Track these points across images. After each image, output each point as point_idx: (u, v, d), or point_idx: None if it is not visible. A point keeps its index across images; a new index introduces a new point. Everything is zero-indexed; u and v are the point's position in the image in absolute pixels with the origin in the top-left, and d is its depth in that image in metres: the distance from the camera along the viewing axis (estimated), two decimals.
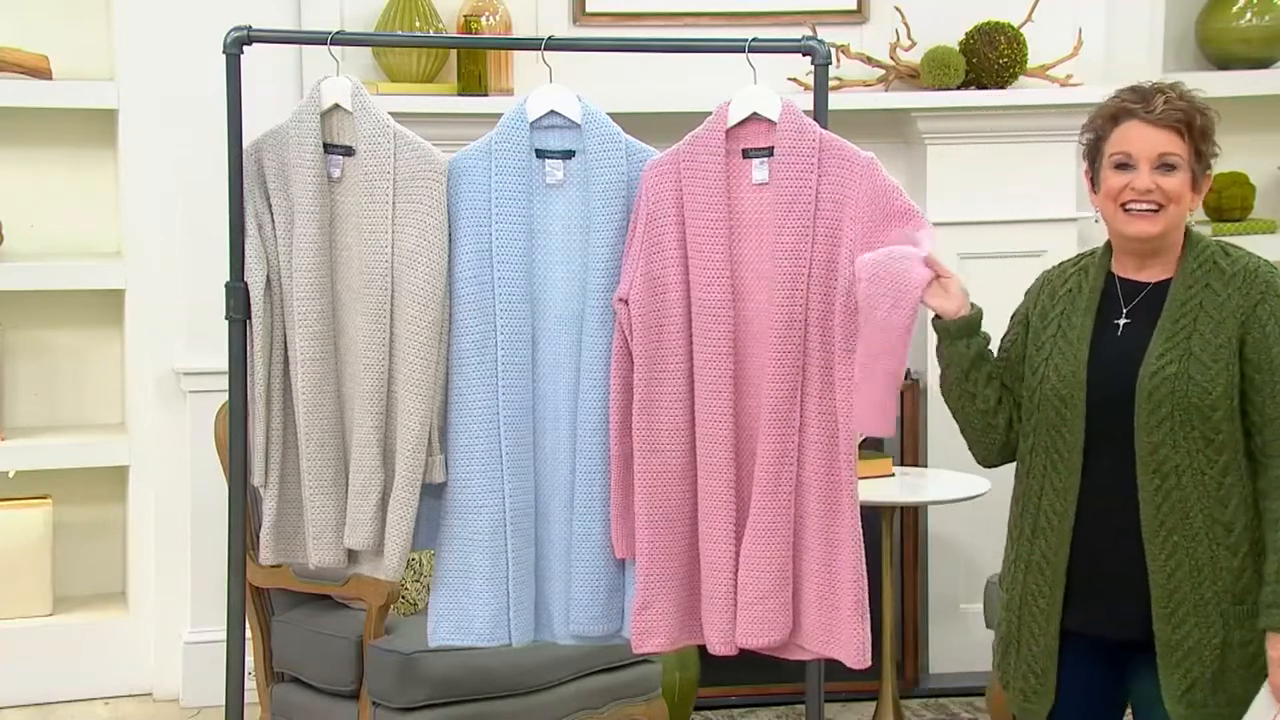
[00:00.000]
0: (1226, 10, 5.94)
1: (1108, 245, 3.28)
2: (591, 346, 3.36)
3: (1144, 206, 3.14)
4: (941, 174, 5.65)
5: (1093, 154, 3.23)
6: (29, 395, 5.67)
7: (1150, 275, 3.22)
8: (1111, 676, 3.25)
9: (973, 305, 3.23)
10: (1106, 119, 3.20)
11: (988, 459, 3.35)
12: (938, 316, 3.22)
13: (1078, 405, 3.17)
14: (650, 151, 3.38)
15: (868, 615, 3.30)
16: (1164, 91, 3.16)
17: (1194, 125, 3.15)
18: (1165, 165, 3.14)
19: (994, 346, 3.33)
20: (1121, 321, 3.21)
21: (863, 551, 3.30)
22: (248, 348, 3.43)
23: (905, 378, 5.62)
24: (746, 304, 3.31)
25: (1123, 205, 3.16)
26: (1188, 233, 3.23)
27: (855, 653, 3.30)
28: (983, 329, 3.25)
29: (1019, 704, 3.29)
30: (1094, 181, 3.23)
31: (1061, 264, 3.35)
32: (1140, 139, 3.15)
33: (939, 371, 3.33)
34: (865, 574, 3.30)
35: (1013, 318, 3.35)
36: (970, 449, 3.36)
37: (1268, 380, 3.12)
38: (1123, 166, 3.16)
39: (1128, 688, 3.26)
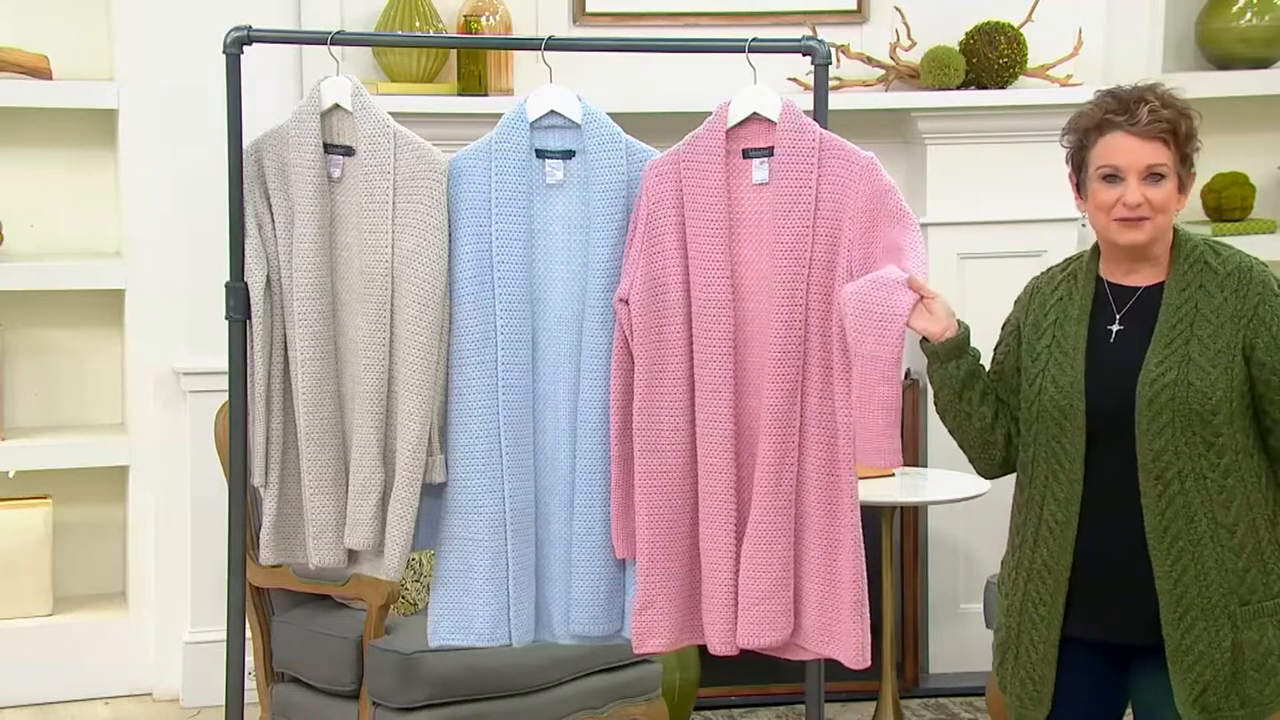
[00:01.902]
0: (1226, 10, 5.94)
1: (1095, 250, 3.27)
2: (591, 346, 3.36)
3: (1132, 218, 3.13)
4: (941, 174, 5.65)
5: (1077, 161, 3.21)
6: (29, 395, 5.67)
7: (1140, 279, 3.21)
8: (1112, 680, 3.25)
9: (960, 323, 3.22)
10: (1090, 129, 3.16)
11: (989, 472, 3.35)
12: (925, 339, 3.21)
13: (1077, 415, 3.16)
14: (650, 151, 3.38)
15: (867, 615, 3.30)
16: (1146, 100, 3.13)
17: (1179, 133, 3.13)
18: (1153, 176, 3.12)
19: (989, 355, 3.33)
20: (1115, 328, 3.20)
21: (863, 551, 3.30)
22: (248, 348, 3.43)
23: (905, 378, 5.62)
24: (746, 304, 3.31)
25: (1114, 218, 3.15)
26: (1175, 233, 3.22)
27: (854, 653, 3.30)
28: (972, 346, 3.24)
29: (1016, 709, 3.28)
30: (1079, 187, 3.22)
31: (1049, 270, 3.34)
32: (1126, 151, 3.12)
33: (932, 391, 3.32)
34: (865, 574, 3.30)
35: (1004, 327, 3.34)
36: (972, 464, 3.35)
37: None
38: (1110, 179, 3.15)
39: (1129, 689, 3.26)
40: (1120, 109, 3.14)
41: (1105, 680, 3.24)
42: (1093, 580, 3.18)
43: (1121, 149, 3.13)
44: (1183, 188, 3.17)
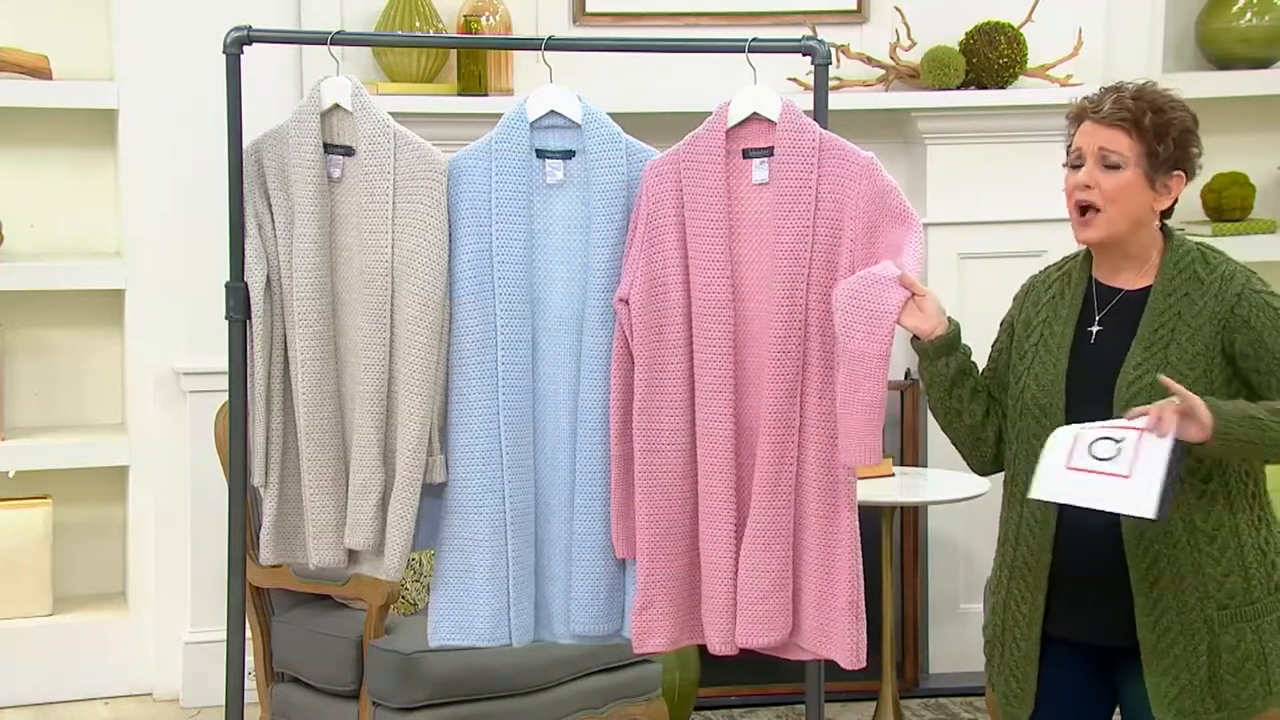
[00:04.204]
0: (1226, 10, 5.94)
1: (1088, 249, 3.27)
2: (592, 346, 3.36)
3: (1081, 200, 3.14)
4: (941, 174, 5.66)
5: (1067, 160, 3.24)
6: (29, 395, 5.67)
7: (1126, 281, 3.21)
8: (1097, 681, 3.25)
9: (950, 321, 3.22)
10: (1070, 121, 3.21)
11: (983, 469, 3.36)
12: (916, 337, 3.22)
13: (1057, 414, 3.16)
14: (650, 151, 3.38)
15: (863, 616, 3.30)
16: (1118, 91, 3.15)
17: (1141, 123, 3.12)
18: (1108, 164, 3.13)
19: (986, 352, 3.33)
20: (1094, 329, 3.20)
21: (859, 552, 3.30)
22: (248, 348, 3.43)
23: (905, 378, 5.63)
24: (746, 304, 3.31)
25: (1076, 207, 3.16)
26: (1169, 237, 3.21)
27: (850, 653, 3.30)
28: (963, 344, 3.24)
29: (1002, 707, 3.29)
30: None
31: (1046, 269, 3.34)
32: (1088, 136, 3.15)
33: (924, 389, 3.32)
34: (862, 575, 3.30)
35: (1001, 325, 3.35)
36: (965, 460, 3.36)
37: (1272, 365, 3.09)
38: (1075, 167, 3.17)
39: (1117, 691, 3.26)
40: (1092, 99, 3.17)
41: (1089, 680, 3.24)
42: (1072, 580, 3.18)
43: (1085, 135, 3.15)
44: (1156, 186, 3.15)
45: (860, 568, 3.30)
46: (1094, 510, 3.04)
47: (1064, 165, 3.21)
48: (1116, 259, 3.19)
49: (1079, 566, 3.17)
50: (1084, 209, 3.15)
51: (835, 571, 3.30)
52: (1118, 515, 3.05)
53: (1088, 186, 3.13)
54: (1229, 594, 3.12)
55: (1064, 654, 3.22)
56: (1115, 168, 3.13)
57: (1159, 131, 3.13)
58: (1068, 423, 3.14)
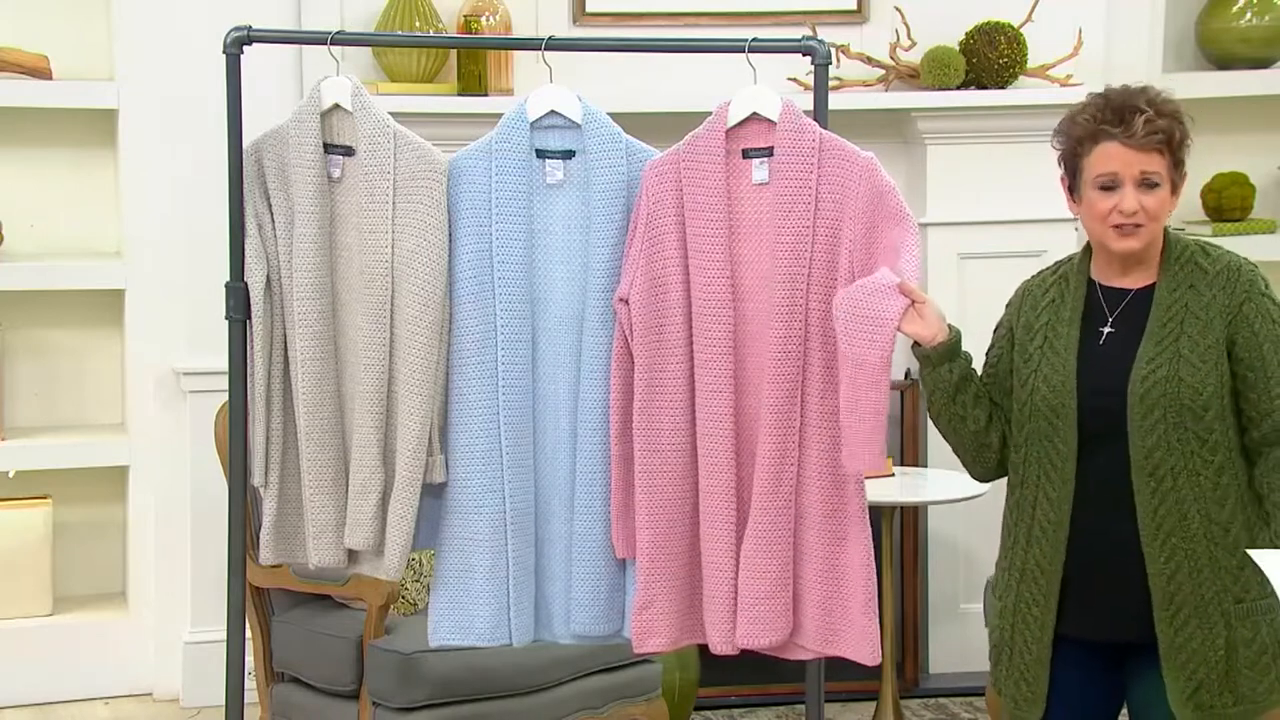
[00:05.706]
0: (1226, 10, 5.94)
1: (1086, 251, 3.27)
2: (592, 346, 3.36)
3: (1133, 224, 3.14)
4: (941, 174, 5.65)
5: (1071, 166, 3.22)
6: (29, 395, 5.67)
7: (1132, 281, 3.22)
8: (1107, 679, 3.26)
9: (951, 327, 3.22)
10: (1084, 137, 3.17)
11: (985, 476, 3.36)
12: (917, 344, 3.22)
13: (1069, 414, 3.17)
14: (650, 151, 3.38)
15: (877, 612, 3.31)
16: (1141, 110, 3.13)
17: (1173, 140, 3.15)
18: (1148, 184, 3.14)
19: (982, 358, 3.33)
20: (1106, 330, 3.21)
21: (872, 549, 3.31)
22: (248, 348, 3.44)
23: (905, 378, 5.63)
24: (746, 304, 3.31)
25: (1110, 225, 3.16)
26: (1166, 235, 3.23)
27: (866, 650, 3.30)
28: (964, 350, 3.24)
29: (1011, 710, 3.29)
30: (1073, 191, 3.23)
31: (1040, 273, 3.35)
32: (1123, 161, 3.13)
33: (925, 397, 3.32)
34: (875, 572, 3.31)
35: (996, 331, 3.35)
36: (967, 469, 3.36)
37: (1260, 377, 3.14)
38: (1107, 188, 3.16)
39: (1125, 688, 3.27)
40: (1115, 119, 3.14)
41: (1100, 679, 3.25)
42: (1086, 579, 3.19)
43: (1117, 158, 3.14)
44: (1175, 190, 3.18)
45: (874, 565, 3.31)
46: (1109, 510, 3.06)
47: (1082, 181, 3.17)
48: (1131, 263, 3.20)
49: (1092, 566, 3.18)
50: (1134, 225, 3.15)
51: (846, 571, 3.30)
52: (1133, 511, 3.07)
53: (1135, 211, 3.13)
54: (1244, 587, 3.14)
55: (1073, 652, 3.23)
56: (1154, 186, 3.14)
57: (1181, 142, 3.17)
58: (1080, 423, 3.14)
